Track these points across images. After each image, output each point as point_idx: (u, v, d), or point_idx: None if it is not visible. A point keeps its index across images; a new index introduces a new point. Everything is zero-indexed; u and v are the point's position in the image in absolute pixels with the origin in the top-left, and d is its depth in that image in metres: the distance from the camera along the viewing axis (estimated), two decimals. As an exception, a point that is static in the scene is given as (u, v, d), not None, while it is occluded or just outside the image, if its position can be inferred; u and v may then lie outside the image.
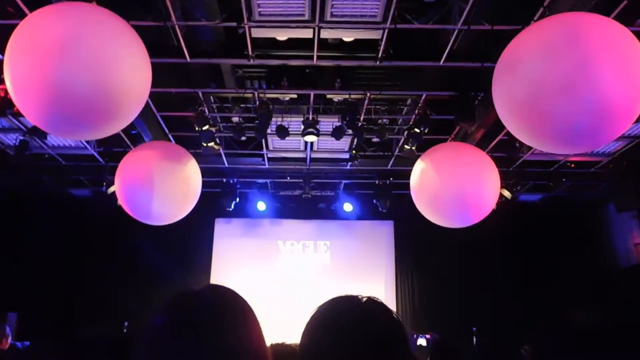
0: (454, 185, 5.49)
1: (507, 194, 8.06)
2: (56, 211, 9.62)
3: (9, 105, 5.48)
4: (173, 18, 4.87)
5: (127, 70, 3.52)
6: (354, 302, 1.17)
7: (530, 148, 7.31)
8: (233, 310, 1.04)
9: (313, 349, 1.12)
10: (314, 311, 1.19)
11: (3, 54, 3.51)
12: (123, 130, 6.39)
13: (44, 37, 3.28)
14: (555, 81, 2.94)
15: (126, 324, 8.65)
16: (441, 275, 9.82)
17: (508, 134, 5.72)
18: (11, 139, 7.32)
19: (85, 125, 3.69)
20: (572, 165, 8.44)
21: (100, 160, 8.03)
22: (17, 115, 6.18)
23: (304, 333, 1.16)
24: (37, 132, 6.42)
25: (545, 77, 2.98)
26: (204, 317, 0.99)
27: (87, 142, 7.53)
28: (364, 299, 1.17)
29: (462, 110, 5.98)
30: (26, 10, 4.54)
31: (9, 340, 4.74)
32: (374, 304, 1.16)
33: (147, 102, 6.07)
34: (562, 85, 2.92)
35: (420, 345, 5.88)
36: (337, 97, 6.72)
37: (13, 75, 3.36)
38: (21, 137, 6.77)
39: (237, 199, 9.14)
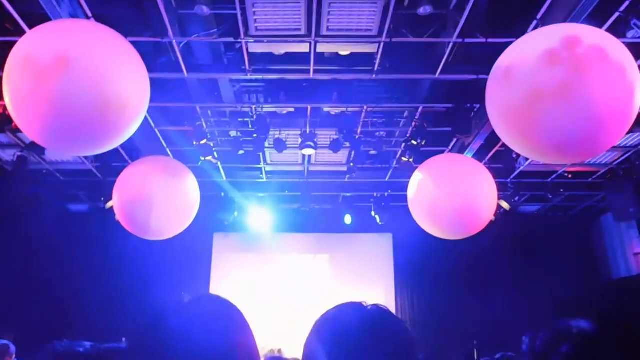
0: (451, 197, 5.49)
1: (505, 205, 8.06)
2: (54, 227, 9.58)
3: (7, 122, 5.51)
4: (170, 33, 4.92)
5: (125, 86, 3.54)
6: (361, 310, 1.11)
7: (527, 159, 7.33)
8: (215, 320, 1.02)
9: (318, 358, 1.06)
10: (319, 319, 1.13)
11: (2, 71, 3.53)
12: (121, 145, 6.41)
13: (43, 54, 3.31)
14: (548, 89, 2.97)
15: (124, 340, 8.57)
16: (441, 287, 9.76)
17: (505, 145, 5.75)
18: (9, 154, 7.33)
19: (84, 141, 3.69)
20: (570, 176, 8.45)
21: (98, 175, 8.02)
22: (16, 131, 6.19)
23: (307, 342, 1.10)
24: (35, 148, 6.44)
25: (538, 84, 3.01)
26: (182, 329, 0.97)
27: (85, 157, 7.54)
28: (369, 307, 1.12)
29: (458, 122, 6.02)
30: (25, 28, 4.59)
31: (13, 358, 4.67)
32: (383, 313, 1.11)
33: (146, 117, 6.10)
34: (555, 93, 2.95)
35: None
36: (334, 111, 6.76)
37: (12, 92, 3.38)
38: (19, 153, 6.78)
39: (236, 213, 9.12)
